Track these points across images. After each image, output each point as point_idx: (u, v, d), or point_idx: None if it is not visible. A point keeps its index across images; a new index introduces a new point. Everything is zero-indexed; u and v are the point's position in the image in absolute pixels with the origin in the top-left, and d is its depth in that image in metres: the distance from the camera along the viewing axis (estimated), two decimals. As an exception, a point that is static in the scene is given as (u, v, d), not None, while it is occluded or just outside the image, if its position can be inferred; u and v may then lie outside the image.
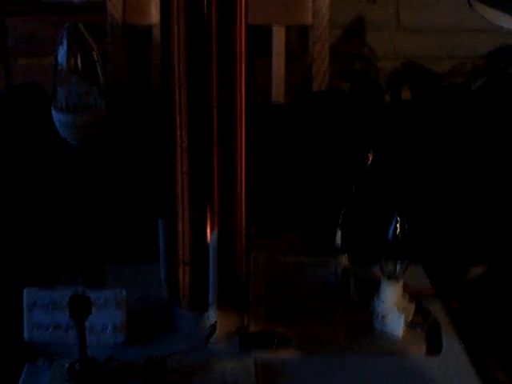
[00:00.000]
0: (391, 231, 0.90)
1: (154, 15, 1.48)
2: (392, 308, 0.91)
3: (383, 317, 0.93)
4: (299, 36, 1.70)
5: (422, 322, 0.92)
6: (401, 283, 0.91)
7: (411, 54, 1.87)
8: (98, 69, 0.83)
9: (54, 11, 1.63)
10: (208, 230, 0.88)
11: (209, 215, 0.87)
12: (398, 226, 0.89)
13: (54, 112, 0.84)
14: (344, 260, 0.98)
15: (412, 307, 0.93)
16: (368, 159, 0.93)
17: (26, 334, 0.88)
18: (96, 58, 0.83)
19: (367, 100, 1.24)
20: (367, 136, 1.10)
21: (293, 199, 1.08)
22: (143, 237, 0.96)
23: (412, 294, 0.94)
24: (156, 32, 1.46)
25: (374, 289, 0.94)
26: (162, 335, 0.92)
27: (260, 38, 1.48)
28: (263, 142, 1.09)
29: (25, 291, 0.87)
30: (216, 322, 0.88)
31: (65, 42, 0.81)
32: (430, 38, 1.88)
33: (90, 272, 0.91)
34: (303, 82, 1.63)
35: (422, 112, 1.18)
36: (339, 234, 0.98)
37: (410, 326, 0.92)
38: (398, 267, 0.91)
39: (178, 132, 0.84)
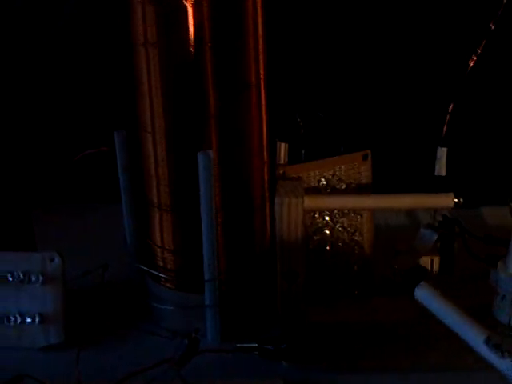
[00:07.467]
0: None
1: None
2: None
3: (515, 301, 0.74)
4: None
5: None
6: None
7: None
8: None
9: None
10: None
11: (200, 122, 0.67)
12: None
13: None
14: (449, 201, 0.76)
15: None
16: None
17: None
18: None
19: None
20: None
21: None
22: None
23: None
24: None
25: (496, 251, 0.77)
26: (128, 333, 0.74)
27: None
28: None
29: None
30: (195, 334, 0.63)
31: None
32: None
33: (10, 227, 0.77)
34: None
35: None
36: (444, 153, 0.76)
37: None
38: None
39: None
